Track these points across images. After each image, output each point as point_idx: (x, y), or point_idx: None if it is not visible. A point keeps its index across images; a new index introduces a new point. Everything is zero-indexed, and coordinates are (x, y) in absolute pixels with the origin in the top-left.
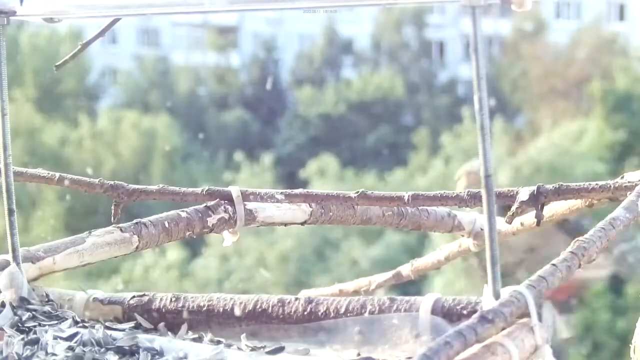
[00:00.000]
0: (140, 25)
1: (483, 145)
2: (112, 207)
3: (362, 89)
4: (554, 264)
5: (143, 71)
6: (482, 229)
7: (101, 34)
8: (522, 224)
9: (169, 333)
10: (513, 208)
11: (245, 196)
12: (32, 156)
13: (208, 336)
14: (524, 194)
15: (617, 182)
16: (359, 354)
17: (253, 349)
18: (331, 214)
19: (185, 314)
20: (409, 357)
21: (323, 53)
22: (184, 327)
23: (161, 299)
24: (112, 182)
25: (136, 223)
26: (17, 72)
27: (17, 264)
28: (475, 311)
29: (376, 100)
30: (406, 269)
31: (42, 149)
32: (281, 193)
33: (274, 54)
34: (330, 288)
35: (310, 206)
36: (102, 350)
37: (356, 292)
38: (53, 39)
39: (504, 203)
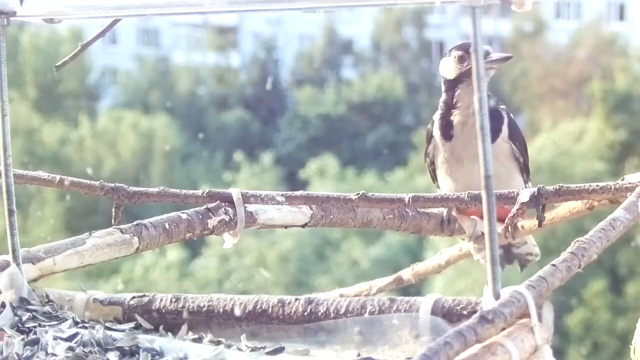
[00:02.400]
0: (140, 25)
1: (483, 145)
2: (113, 210)
3: (362, 89)
4: (554, 265)
5: (143, 71)
6: (482, 233)
7: (101, 34)
8: (522, 227)
9: (169, 333)
10: (513, 209)
11: (246, 198)
12: (31, 156)
13: (208, 337)
14: (524, 195)
15: (617, 183)
16: (359, 355)
17: (253, 349)
18: (332, 216)
19: (185, 315)
20: (409, 357)
21: (323, 53)
22: (184, 327)
23: (161, 300)
24: (112, 185)
25: (136, 224)
26: (18, 72)
27: (18, 264)
28: (475, 311)
29: (376, 100)
30: (407, 273)
31: (42, 149)
32: (282, 195)
33: (274, 54)
34: (331, 293)
35: (311, 209)
36: (102, 350)
37: (357, 297)
38: (53, 40)
39: (504, 204)
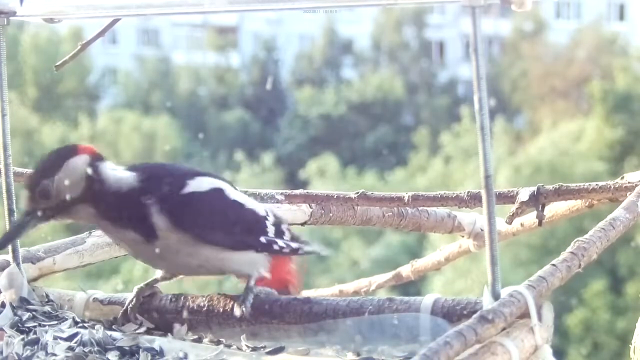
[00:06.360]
0: (140, 25)
1: (483, 145)
2: None
3: (362, 89)
4: (553, 264)
5: (143, 71)
6: (482, 230)
7: (101, 34)
8: (522, 225)
9: (169, 333)
10: (513, 208)
11: None
12: (31, 157)
13: (208, 336)
14: (524, 194)
15: (617, 182)
16: (359, 354)
17: (253, 349)
18: (331, 214)
19: (185, 314)
20: (409, 357)
21: (323, 53)
22: (184, 327)
23: (161, 299)
24: None
25: None
26: (18, 72)
27: (17, 264)
28: (475, 311)
29: (376, 100)
30: (406, 270)
31: (41, 149)
32: (281, 194)
33: (274, 54)
34: (330, 289)
35: (311, 207)
36: (102, 350)
37: (356, 293)
38: (53, 40)
39: (504, 204)
